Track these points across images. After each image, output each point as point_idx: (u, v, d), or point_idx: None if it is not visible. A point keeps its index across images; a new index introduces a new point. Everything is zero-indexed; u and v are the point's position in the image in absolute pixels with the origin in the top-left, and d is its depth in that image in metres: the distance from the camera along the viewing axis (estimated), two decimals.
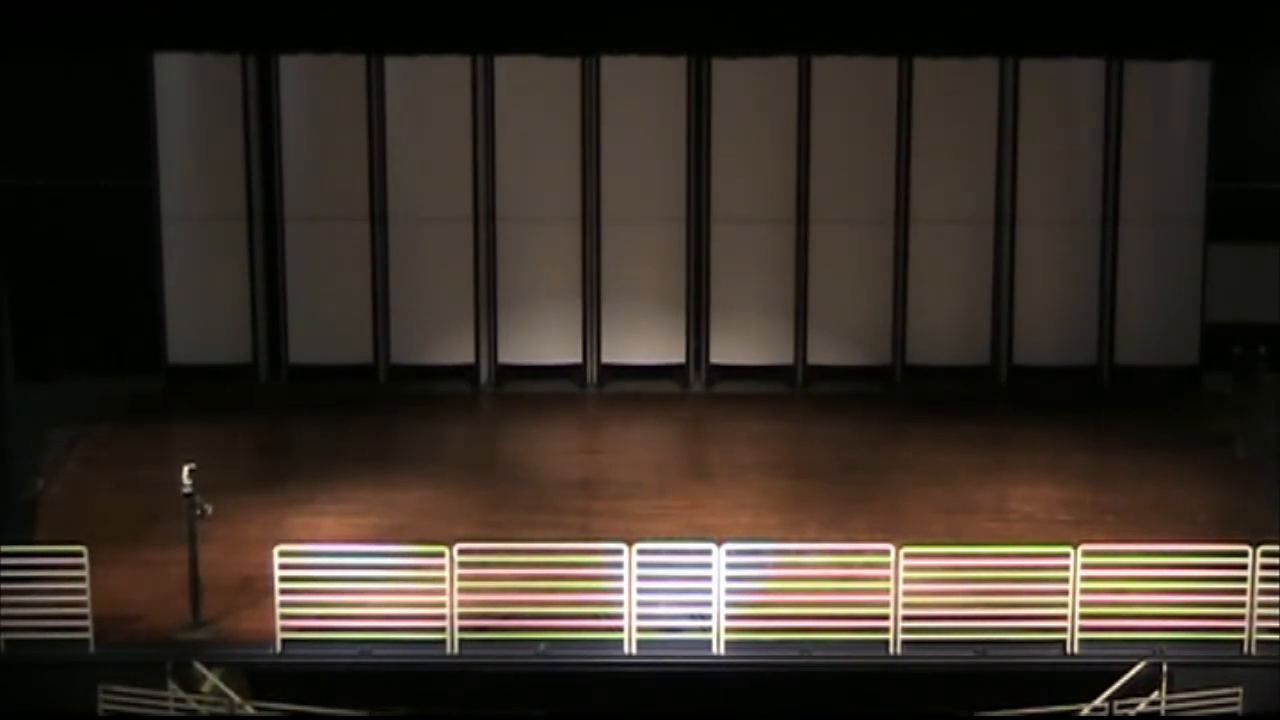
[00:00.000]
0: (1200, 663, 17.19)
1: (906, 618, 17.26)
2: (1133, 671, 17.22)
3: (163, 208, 24.65)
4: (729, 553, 17.33)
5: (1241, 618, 17.29)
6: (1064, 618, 17.26)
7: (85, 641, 17.22)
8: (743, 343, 25.18)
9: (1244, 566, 17.25)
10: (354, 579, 17.51)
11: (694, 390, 25.14)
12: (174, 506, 17.89)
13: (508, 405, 24.64)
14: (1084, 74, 24.72)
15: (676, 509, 20.81)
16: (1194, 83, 24.64)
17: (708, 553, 17.34)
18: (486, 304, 25.01)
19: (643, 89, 24.39)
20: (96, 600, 17.24)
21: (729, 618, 17.30)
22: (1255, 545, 17.37)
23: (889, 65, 24.22)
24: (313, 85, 24.51)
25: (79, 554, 17.15)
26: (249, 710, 17.32)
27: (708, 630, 17.33)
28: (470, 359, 25.10)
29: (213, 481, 18.33)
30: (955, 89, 24.50)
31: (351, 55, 23.64)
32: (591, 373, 25.27)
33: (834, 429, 23.66)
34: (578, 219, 24.88)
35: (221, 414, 23.85)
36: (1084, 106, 24.91)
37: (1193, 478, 21.72)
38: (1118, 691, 17.23)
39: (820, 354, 25.19)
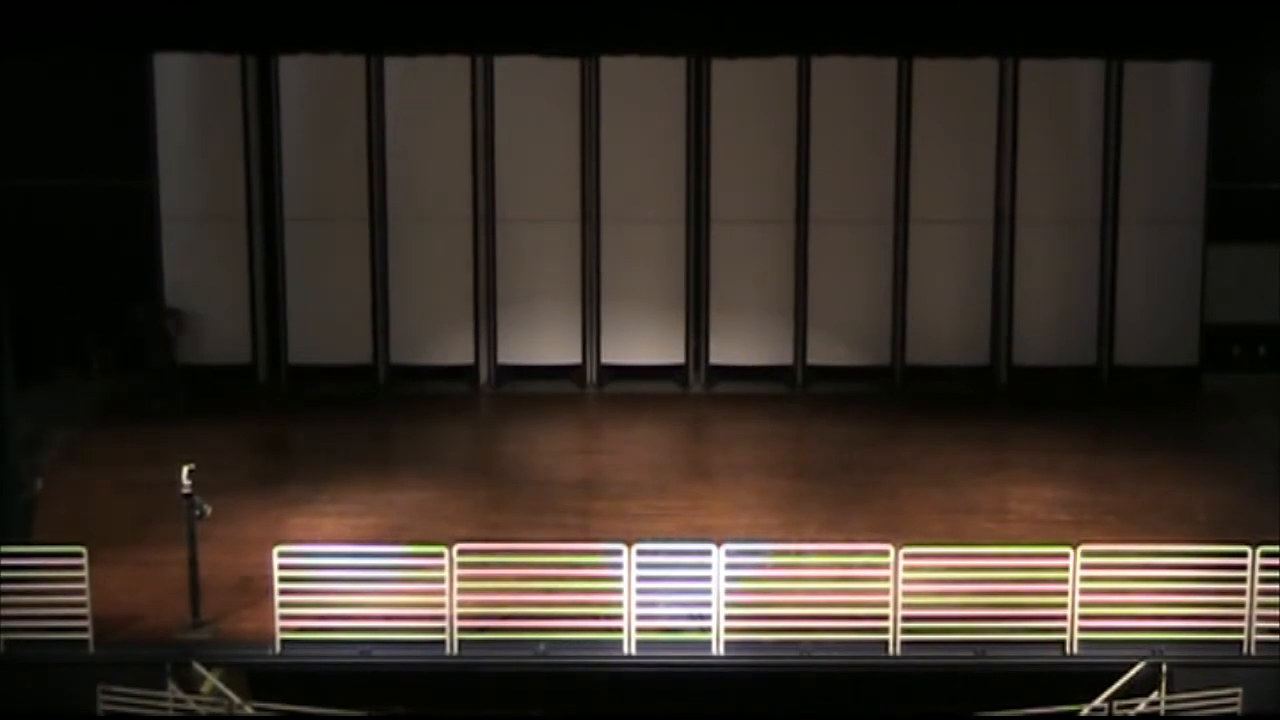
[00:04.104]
0: (1200, 663, 17.18)
1: (906, 618, 17.25)
2: (1133, 671, 17.21)
3: (163, 208, 24.66)
4: (728, 553, 17.33)
5: (1241, 618, 17.29)
6: (1064, 618, 17.25)
7: (85, 642, 17.21)
8: (743, 343, 25.18)
9: (1244, 566, 17.25)
10: (353, 579, 17.51)
11: (694, 391, 25.14)
12: (173, 507, 17.88)
13: (508, 405, 24.64)
14: (1084, 74, 24.73)
15: (676, 509, 20.81)
16: (1194, 83, 24.65)
17: (707, 553, 17.34)
18: (486, 304, 25.01)
19: (643, 89, 24.39)
20: (96, 600, 17.23)
21: (729, 618, 17.30)
22: (1255, 545, 17.37)
23: (889, 65, 24.23)
24: (313, 85, 24.52)
25: (79, 554, 17.13)
26: (248, 710, 17.32)
27: (707, 630, 17.33)
28: (470, 359, 25.11)
29: (212, 482, 18.33)
30: (955, 89, 24.51)
31: (351, 55, 23.65)
32: (591, 373, 25.27)
33: (834, 429, 23.66)
34: (578, 219, 24.89)
35: (221, 414, 23.85)
36: (1084, 106, 24.92)
37: (1193, 478, 21.72)
38: (1118, 691, 17.22)
39: (820, 354, 25.19)
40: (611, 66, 24.10)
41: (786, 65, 24.26)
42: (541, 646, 17.32)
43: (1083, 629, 17.29)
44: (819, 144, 24.70)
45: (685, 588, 17.43)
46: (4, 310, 19.21)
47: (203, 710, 17.14)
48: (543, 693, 17.53)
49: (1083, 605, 17.26)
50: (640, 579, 17.25)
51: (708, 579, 17.29)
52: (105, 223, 24.53)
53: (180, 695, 17.11)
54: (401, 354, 25.20)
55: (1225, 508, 20.67)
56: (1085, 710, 17.23)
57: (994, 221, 25.01)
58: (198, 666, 17.24)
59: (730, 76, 24.32)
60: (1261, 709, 17.10)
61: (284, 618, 17.27)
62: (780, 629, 17.32)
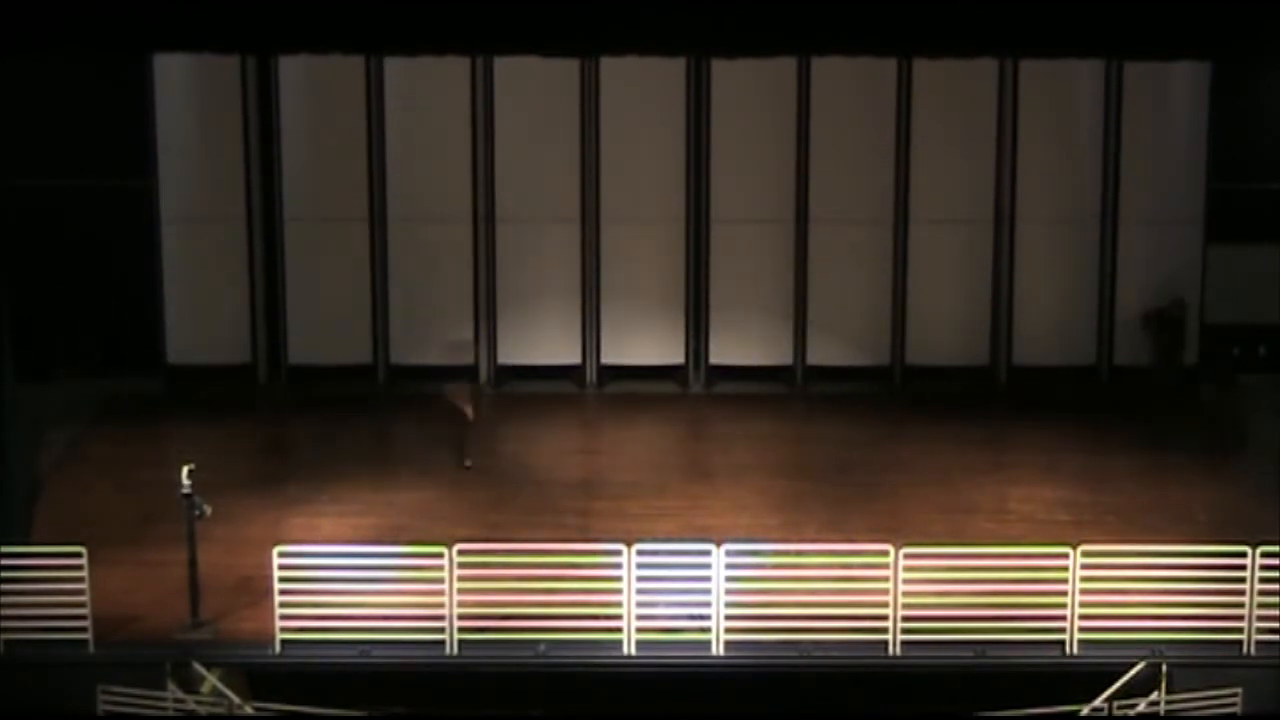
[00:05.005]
0: (1200, 663, 17.18)
1: (906, 618, 17.25)
2: (1132, 671, 17.21)
3: (163, 208, 24.66)
4: (728, 553, 17.33)
5: (1241, 618, 17.29)
6: (1063, 618, 17.26)
7: (85, 642, 17.21)
8: (743, 343, 25.17)
9: (1244, 567, 17.25)
10: (353, 579, 17.51)
11: (694, 391, 25.13)
12: (173, 507, 17.87)
13: (508, 405, 24.63)
14: (1084, 74, 24.74)
15: (676, 509, 20.81)
16: (1194, 83, 24.65)
17: (707, 553, 17.33)
18: (486, 304, 25.01)
19: (643, 89, 24.40)
20: (96, 600, 17.23)
21: (728, 618, 17.30)
22: (1255, 545, 17.37)
23: (889, 65, 24.23)
24: (313, 85, 24.52)
25: (79, 554, 17.13)
26: (248, 711, 17.32)
27: (707, 630, 17.33)
28: (470, 359, 25.10)
29: (212, 482, 18.33)
30: (955, 89, 24.51)
31: (351, 55, 23.65)
32: (591, 373, 25.27)
33: (833, 429, 23.65)
34: (578, 219, 24.88)
35: (221, 414, 23.85)
36: (1084, 106, 24.92)
37: (1192, 478, 21.71)
38: (1118, 691, 17.22)
39: (820, 354, 25.19)
40: (611, 66, 24.10)
41: (786, 65, 24.26)
42: (541, 646, 17.32)
43: (1083, 629, 17.28)
44: (819, 144, 24.70)
45: (685, 588, 17.44)
46: (4, 310, 19.21)
47: (203, 710, 17.14)
48: (543, 693, 17.53)
49: (1083, 605, 17.26)
50: (640, 579, 17.25)
51: (708, 579, 17.29)
52: (105, 223, 24.52)
53: (180, 695, 17.12)
54: (401, 354, 25.20)
55: (1225, 508, 20.67)
56: (1085, 710, 17.23)
57: (994, 221, 25.02)
58: (197, 666, 17.24)
59: (730, 76, 24.32)
60: (1261, 709, 17.10)
61: (284, 618, 17.26)
62: (780, 629, 17.32)
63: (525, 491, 21.38)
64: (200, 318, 24.86)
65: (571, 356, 25.22)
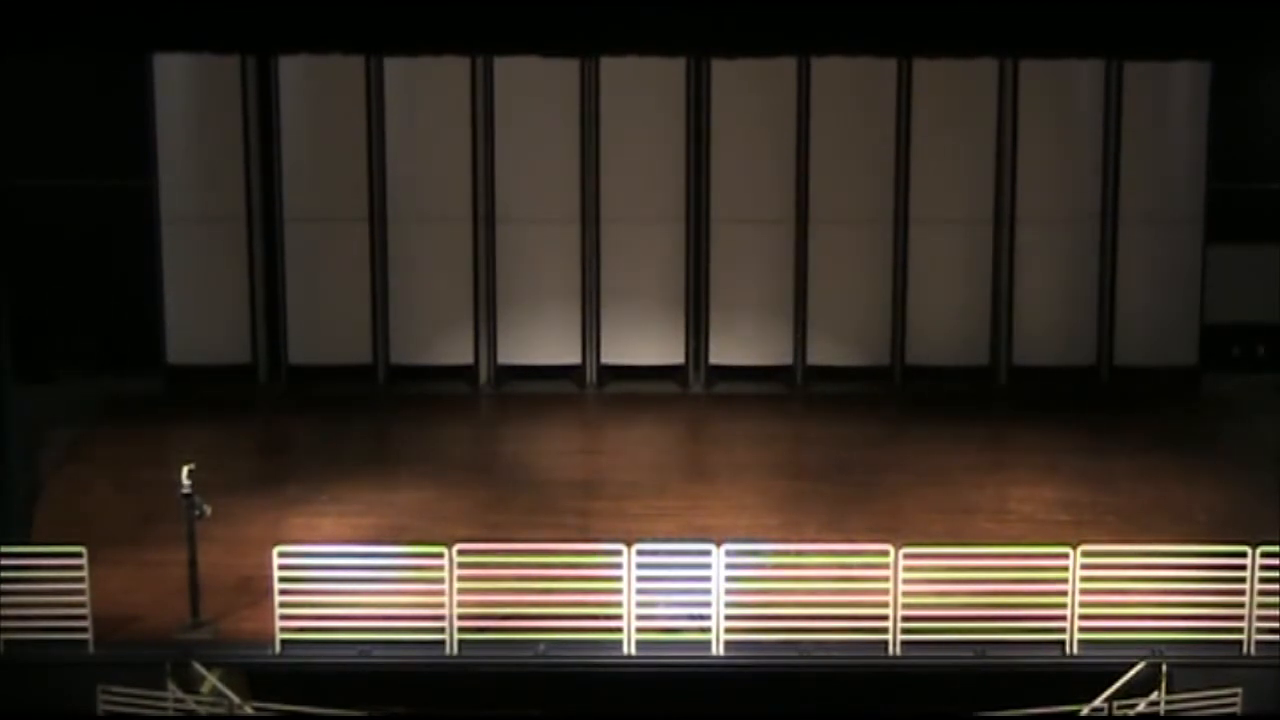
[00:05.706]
0: (1200, 663, 17.18)
1: (906, 618, 17.25)
2: (1132, 671, 17.21)
3: (163, 208, 24.66)
4: (728, 553, 17.33)
5: (1241, 618, 17.29)
6: (1063, 618, 17.26)
7: (84, 642, 17.21)
8: (742, 343, 25.17)
9: (1244, 567, 17.24)
10: (353, 579, 17.51)
11: (693, 391, 25.13)
12: (173, 507, 17.87)
13: (508, 405, 24.64)
14: (1084, 74, 24.74)
15: (676, 509, 20.81)
16: (1194, 83, 24.65)
17: (707, 553, 17.33)
18: (486, 304, 25.01)
19: (643, 89, 24.39)
20: (96, 600, 17.23)
21: (728, 618, 17.30)
22: (1255, 545, 17.37)
23: (889, 65, 24.22)
24: (313, 85, 24.52)
25: (78, 554, 17.13)
26: (248, 711, 17.32)
27: (707, 631, 17.33)
28: (470, 359, 25.11)
29: (212, 482, 18.33)
30: (955, 89, 24.51)
31: (351, 55, 23.65)
32: (591, 373, 25.26)
33: (833, 429, 23.65)
34: (578, 219, 24.88)
35: (221, 414, 23.85)
36: (1084, 106, 24.92)
37: (1192, 478, 21.71)
38: (1117, 691, 17.22)
39: (820, 354, 25.19)
40: (611, 66, 24.09)
41: (786, 65, 24.26)
42: (541, 646, 17.32)
43: (1083, 629, 17.28)
44: (819, 144, 24.70)
45: (685, 588, 17.44)
46: (4, 310, 19.21)
47: (203, 710, 17.14)
48: (543, 693, 17.52)
49: (1083, 605, 17.25)
50: (640, 579, 17.25)
51: (708, 579, 17.29)
52: (105, 223, 24.52)
53: (180, 695, 17.11)
54: (401, 354, 25.19)
55: (1225, 508, 20.66)
56: (1085, 710, 17.23)
57: (994, 221, 25.01)
58: (197, 666, 17.24)
59: (730, 76, 24.32)
60: (1261, 709, 17.10)
61: (284, 618, 17.26)
62: (780, 629, 17.32)
63: (525, 491, 21.38)
64: (200, 318, 24.86)
65: (571, 356, 25.22)
